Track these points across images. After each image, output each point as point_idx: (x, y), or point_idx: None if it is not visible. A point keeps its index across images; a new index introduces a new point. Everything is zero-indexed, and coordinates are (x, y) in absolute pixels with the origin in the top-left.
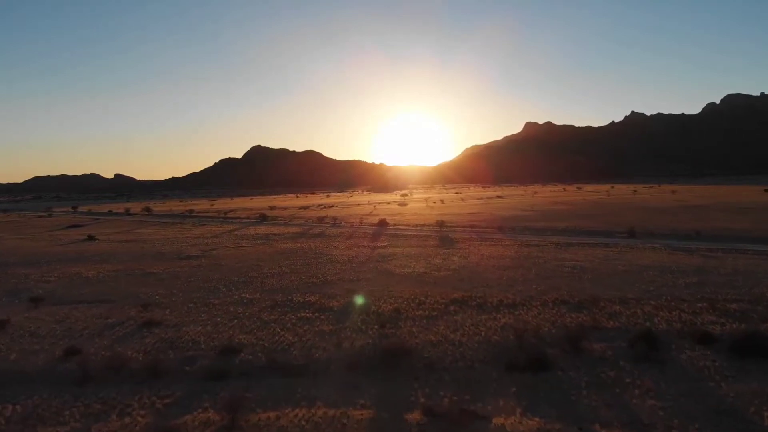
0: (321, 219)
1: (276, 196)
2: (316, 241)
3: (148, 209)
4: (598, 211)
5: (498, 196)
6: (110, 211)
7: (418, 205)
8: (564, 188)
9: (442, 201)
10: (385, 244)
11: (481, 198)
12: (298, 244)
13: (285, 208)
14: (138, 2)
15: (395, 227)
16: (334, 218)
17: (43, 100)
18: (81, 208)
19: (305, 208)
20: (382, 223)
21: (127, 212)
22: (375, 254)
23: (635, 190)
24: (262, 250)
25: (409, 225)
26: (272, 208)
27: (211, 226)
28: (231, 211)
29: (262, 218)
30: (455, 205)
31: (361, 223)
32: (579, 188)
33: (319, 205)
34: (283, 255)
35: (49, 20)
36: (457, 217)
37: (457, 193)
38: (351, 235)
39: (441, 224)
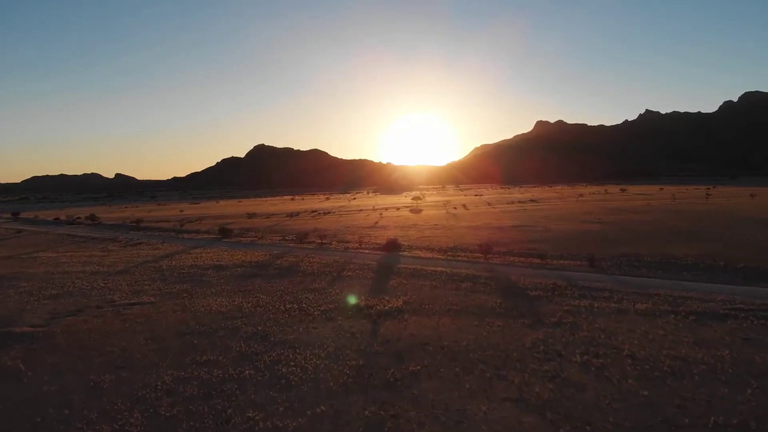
0: (304, 236)
1: (272, 198)
2: (275, 291)
3: (93, 217)
4: (697, 226)
5: (531, 200)
6: (56, 218)
7: (436, 213)
8: (606, 190)
9: (464, 206)
10: (399, 301)
11: (512, 202)
12: (237, 302)
13: (268, 216)
14: (140, 2)
15: (412, 254)
16: (323, 235)
17: (44, 100)
18: (46, 212)
19: (294, 215)
20: (392, 246)
21: (73, 221)
22: (376, 347)
23: (708, 194)
24: (158, 320)
25: (432, 249)
26: (251, 215)
27: (143, 248)
28: (198, 219)
29: (224, 233)
30: (484, 212)
31: (360, 244)
32: (623, 190)
33: (313, 211)
34: (184, 341)
35: (50, 20)
36: (499, 233)
37: (477, 195)
38: (340, 271)
39: (486, 250)
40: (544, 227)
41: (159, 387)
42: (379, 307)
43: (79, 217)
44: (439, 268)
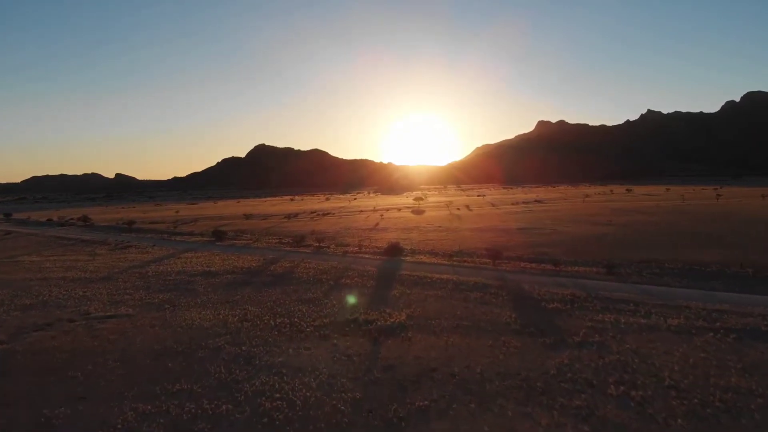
0: (301, 239)
1: (271, 199)
2: (266, 302)
3: (85, 219)
4: (713, 229)
5: (536, 201)
6: (49, 219)
7: (439, 214)
8: (611, 190)
9: (468, 207)
10: (402, 315)
11: (516, 203)
12: (222, 315)
13: (265, 217)
14: (140, 2)
15: (415, 258)
16: (321, 238)
17: (44, 100)
18: (41, 213)
19: (293, 216)
20: (394, 251)
21: (64, 223)
22: (376, 374)
23: (719, 194)
24: (133, 337)
25: (436, 254)
26: (248, 216)
27: (131, 252)
28: (193, 221)
29: (217, 236)
30: (488, 213)
31: (359, 248)
32: (629, 190)
33: (312, 212)
34: (158, 365)
35: (50, 20)
36: (506, 236)
37: (479, 196)
38: (337, 279)
39: (494, 255)
40: (553, 230)
41: (119, 426)
42: (379, 323)
43: (72, 219)
44: (445, 276)
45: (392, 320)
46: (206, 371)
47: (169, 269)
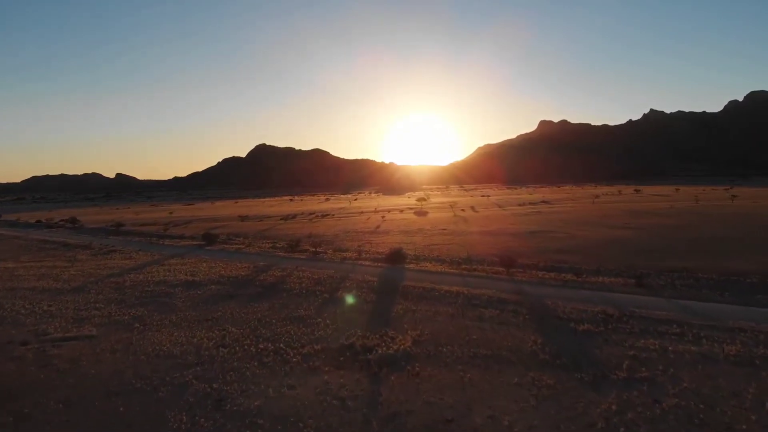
0: (296, 244)
1: (270, 199)
2: (250, 321)
3: (74, 221)
4: (738, 232)
5: (543, 201)
6: (38, 221)
7: (443, 216)
8: (620, 191)
9: (473, 209)
10: (408, 340)
11: (523, 204)
12: (197, 338)
13: (261, 218)
14: (140, 2)
15: (419, 266)
16: (318, 242)
17: (43, 100)
18: (35, 213)
19: (290, 217)
20: (396, 257)
21: (52, 225)
22: (376, 427)
23: (734, 195)
24: (87, 368)
25: (443, 261)
26: (243, 218)
27: (114, 257)
28: (186, 222)
29: (208, 240)
30: (495, 215)
31: (359, 254)
32: (637, 190)
33: (311, 214)
34: (108, 408)
35: (50, 20)
36: (518, 240)
37: (484, 196)
38: (333, 291)
39: (508, 263)
40: (567, 233)
41: None
42: (380, 350)
43: (61, 220)
44: (455, 288)
45: (396, 347)
46: (164, 419)
47: (149, 278)
